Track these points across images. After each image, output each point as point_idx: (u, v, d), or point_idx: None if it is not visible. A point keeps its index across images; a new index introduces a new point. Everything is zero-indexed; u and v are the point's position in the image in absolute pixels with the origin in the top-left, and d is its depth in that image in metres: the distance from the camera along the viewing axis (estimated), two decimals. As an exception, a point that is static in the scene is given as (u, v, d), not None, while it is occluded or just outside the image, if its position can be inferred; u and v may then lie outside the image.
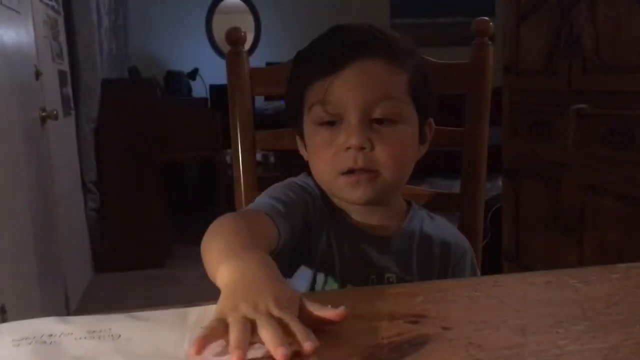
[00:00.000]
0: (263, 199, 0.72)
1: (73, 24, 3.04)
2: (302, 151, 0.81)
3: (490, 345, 0.46)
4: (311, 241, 0.75)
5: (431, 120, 0.81)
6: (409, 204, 0.84)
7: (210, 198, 3.59)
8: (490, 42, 0.97)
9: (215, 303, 0.49)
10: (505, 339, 0.47)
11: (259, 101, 3.87)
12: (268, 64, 3.36)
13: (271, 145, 1.01)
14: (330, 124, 0.72)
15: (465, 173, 0.99)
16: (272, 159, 3.33)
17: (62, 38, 2.82)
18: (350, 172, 0.71)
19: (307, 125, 0.76)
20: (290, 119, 0.80)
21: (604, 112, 1.70)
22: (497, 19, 2.12)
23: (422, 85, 0.75)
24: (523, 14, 2.05)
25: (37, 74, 2.24)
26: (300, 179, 0.80)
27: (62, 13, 2.85)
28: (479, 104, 0.97)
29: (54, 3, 2.65)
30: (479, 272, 0.84)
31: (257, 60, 1.20)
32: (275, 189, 0.75)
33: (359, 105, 0.70)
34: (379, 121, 0.71)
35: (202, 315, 0.50)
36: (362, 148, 0.70)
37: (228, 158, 3.24)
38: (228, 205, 3.09)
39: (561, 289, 0.58)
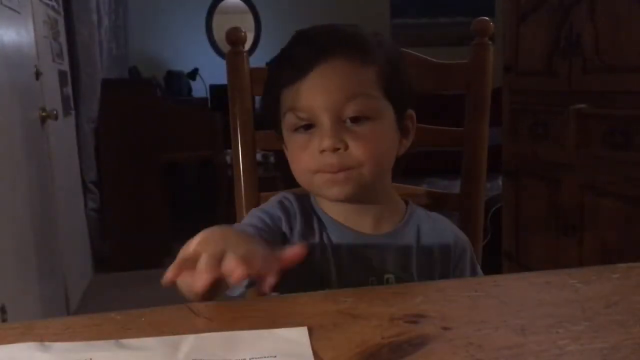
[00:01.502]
0: (240, 226, 0.75)
1: (73, 24, 3.04)
2: (286, 152, 0.82)
3: (490, 345, 0.46)
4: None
5: (411, 112, 0.79)
6: (407, 203, 0.83)
7: (210, 198, 3.58)
8: (490, 42, 0.97)
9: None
10: (505, 339, 0.47)
11: (259, 101, 3.87)
12: (268, 64, 3.35)
13: (271, 145, 1.01)
14: (306, 127, 0.72)
15: (465, 173, 0.99)
16: (272, 159, 3.32)
17: (62, 38, 2.82)
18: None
19: (285, 132, 0.76)
20: (272, 124, 0.81)
21: (604, 112, 1.70)
22: (497, 19, 2.13)
23: (395, 77, 0.74)
24: (523, 14, 2.04)
25: (37, 74, 2.24)
26: (280, 195, 0.81)
27: (62, 13, 2.85)
28: (479, 104, 0.97)
29: (54, 3, 2.65)
30: (479, 269, 0.84)
31: (257, 60, 1.20)
32: (251, 215, 0.77)
33: (328, 107, 0.70)
34: (355, 119, 0.71)
35: (195, 344, 0.47)
36: (336, 149, 0.70)
37: (228, 158, 3.24)
38: (228, 205, 3.08)
39: (561, 289, 0.58)
